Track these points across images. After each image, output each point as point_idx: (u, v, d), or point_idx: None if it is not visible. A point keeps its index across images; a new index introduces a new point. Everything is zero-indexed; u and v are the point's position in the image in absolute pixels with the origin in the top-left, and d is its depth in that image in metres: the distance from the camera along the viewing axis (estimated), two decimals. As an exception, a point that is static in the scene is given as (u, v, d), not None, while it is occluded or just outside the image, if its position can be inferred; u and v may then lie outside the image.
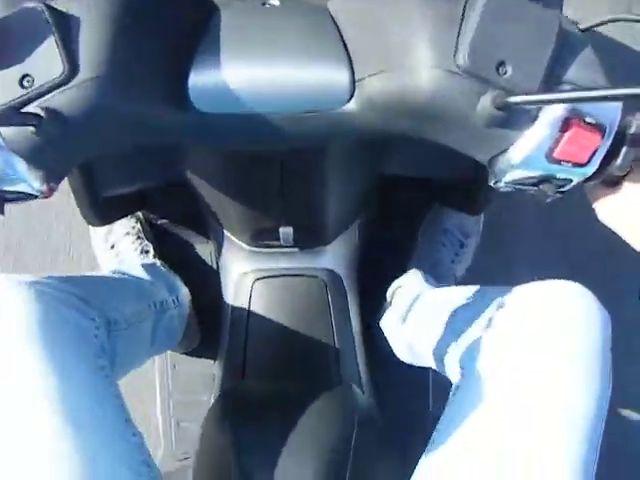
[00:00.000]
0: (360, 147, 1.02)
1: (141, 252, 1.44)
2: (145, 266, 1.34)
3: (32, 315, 0.75)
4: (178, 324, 1.31)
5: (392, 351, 1.31)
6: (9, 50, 0.62)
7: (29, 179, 0.65)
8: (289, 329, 1.24)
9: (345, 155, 1.00)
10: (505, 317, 0.82)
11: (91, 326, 0.86)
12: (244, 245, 1.28)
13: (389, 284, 1.39)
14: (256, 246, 1.27)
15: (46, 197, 0.70)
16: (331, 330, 1.24)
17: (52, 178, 0.68)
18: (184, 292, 1.39)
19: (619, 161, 0.64)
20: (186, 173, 1.17)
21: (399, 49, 0.67)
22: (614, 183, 0.68)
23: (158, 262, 1.43)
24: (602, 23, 0.68)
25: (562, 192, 0.69)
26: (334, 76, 0.70)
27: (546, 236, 1.64)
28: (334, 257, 1.29)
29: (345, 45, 0.72)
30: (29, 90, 0.62)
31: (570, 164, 0.64)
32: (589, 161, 0.64)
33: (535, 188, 0.68)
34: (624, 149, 0.63)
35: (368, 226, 1.37)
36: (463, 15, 0.64)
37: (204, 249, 1.55)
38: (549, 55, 0.63)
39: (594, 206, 0.72)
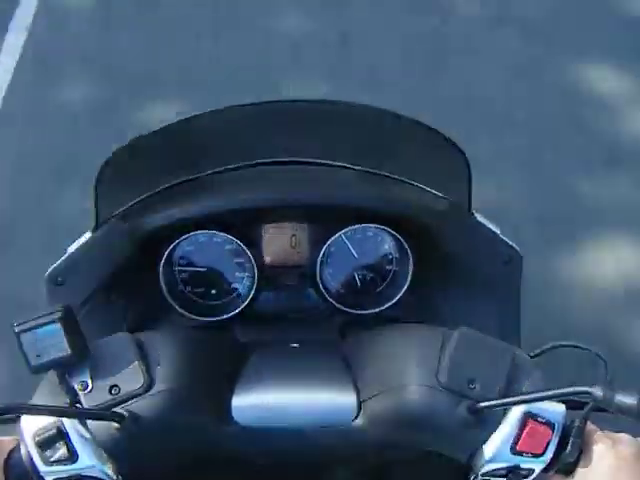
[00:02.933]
0: (363, 474, 1.17)
1: None
2: None
3: None
4: None
5: None
6: (102, 365, 0.84)
7: (105, 468, 0.81)
8: None
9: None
10: None
11: None
12: None
13: None
14: None
15: None
16: None
17: (122, 470, 0.84)
18: None
19: (568, 449, 0.80)
20: None
21: (394, 374, 0.88)
22: (569, 471, 0.83)
23: None
24: (547, 350, 0.92)
25: None
26: (344, 399, 0.90)
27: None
28: None
29: (353, 375, 0.93)
30: (116, 397, 0.82)
31: (530, 454, 0.81)
32: (545, 451, 0.80)
33: (504, 479, 0.84)
34: (571, 439, 0.80)
35: None
36: (442, 345, 0.87)
37: None
38: (505, 375, 0.84)
39: None
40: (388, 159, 1.17)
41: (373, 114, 1.05)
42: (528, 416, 0.80)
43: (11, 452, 0.83)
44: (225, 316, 1.11)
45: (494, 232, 1.11)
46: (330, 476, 1.09)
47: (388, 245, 1.14)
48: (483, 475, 0.84)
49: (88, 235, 1.08)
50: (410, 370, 0.87)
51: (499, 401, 0.80)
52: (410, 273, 1.11)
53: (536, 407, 0.81)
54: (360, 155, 1.16)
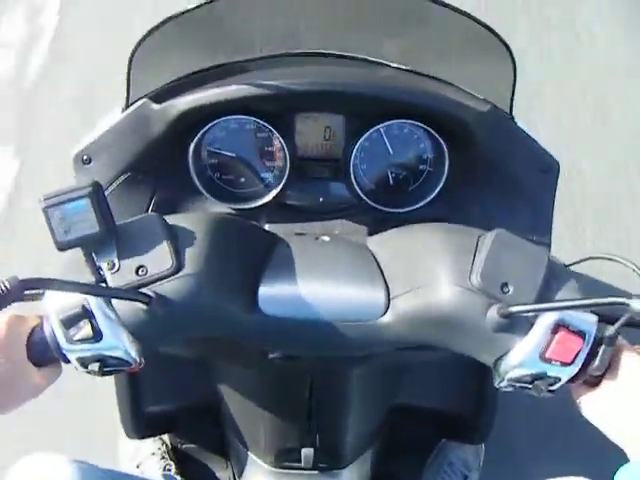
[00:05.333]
0: (380, 374, 1.19)
1: (164, 470, 1.54)
2: (166, 477, 1.45)
3: None
4: None
5: None
6: (130, 245, 0.83)
7: (129, 348, 0.81)
8: None
9: (367, 381, 1.15)
10: None
11: None
12: (266, 465, 1.38)
13: None
14: (277, 467, 1.36)
15: (134, 370, 0.86)
16: None
17: (145, 352, 0.84)
18: None
19: (597, 362, 0.80)
20: (220, 392, 1.32)
21: (426, 272, 0.87)
22: (594, 384, 0.84)
23: (178, 478, 1.52)
24: (582, 260, 0.90)
25: (552, 391, 0.84)
26: (372, 295, 0.89)
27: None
28: None
29: (382, 271, 0.92)
30: (143, 277, 0.81)
31: (559, 363, 0.80)
32: (573, 361, 0.80)
33: (530, 386, 0.84)
34: (601, 351, 0.80)
35: (380, 455, 1.47)
36: (477, 246, 0.85)
37: (223, 474, 1.62)
38: (540, 280, 0.82)
39: (577, 402, 0.86)
40: (431, 59, 1.12)
41: (420, 4, 1.00)
42: (560, 324, 0.79)
43: (34, 329, 0.83)
44: (253, 205, 1.09)
45: (533, 139, 1.08)
46: (346, 372, 1.10)
47: (424, 144, 1.11)
48: (509, 380, 0.84)
49: (117, 114, 1.05)
50: (443, 269, 0.85)
51: (532, 306, 0.79)
52: (445, 174, 1.08)
53: (569, 316, 0.80)
54: (404, 54, 1.11)
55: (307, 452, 1.27)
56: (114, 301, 0.80)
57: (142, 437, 1.49)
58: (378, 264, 0.94)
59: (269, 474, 1.38)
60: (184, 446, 1.65)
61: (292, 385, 1.15)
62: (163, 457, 1.58)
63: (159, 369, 1.32)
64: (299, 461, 1.29)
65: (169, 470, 1.55)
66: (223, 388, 1.31)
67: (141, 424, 1.42)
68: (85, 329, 0.78)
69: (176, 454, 1.63)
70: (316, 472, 1.35)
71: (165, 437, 1.64)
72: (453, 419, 1.49)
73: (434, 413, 1.47)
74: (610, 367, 0.82)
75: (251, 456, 1.41)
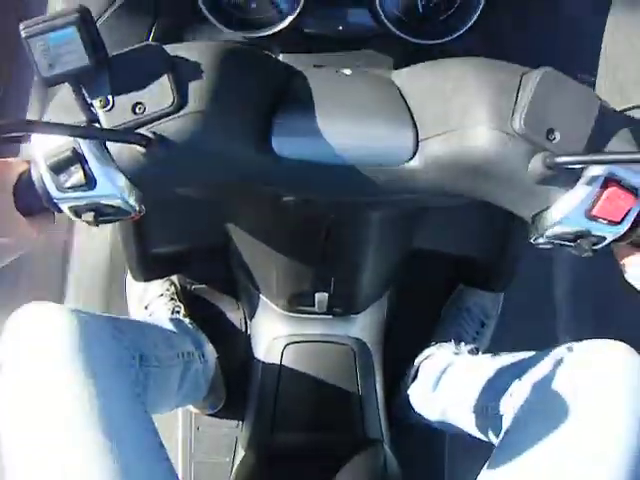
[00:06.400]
0: (399, 217, 1.11)
1: (172, 312, 1.51)
2: (174, 321, 1.42)
3: (75, 342, 0.82)
4: (203, 380, 1.37)
5: (410, 413, 1.39)
6: (126, 79, 0.72)
7: (126, 196, 0.73)
8: (318, 390, 1.30)
9: (385, 224, 1.08)
10: (573, 360, 0.89)
11: (127, 355, 0.92)
12: (278, 309, 1.35)
13: (411, 355, 1.46)
14: (290, 311, 1.33)
15: (134, 218, 0.78)
16: (357, 393, 1.30)
17: (145, 199, 0.76)
18: (210, 350, 1.45)
19: None
20: (230, 233, 1.26)
21: (460, 113, 0.76)
22: None
23: (187, 320, 1.50)
24: (634, 107, 0.79)
25: (595, 250, 0.77)
26: (399, 136, 0.79)
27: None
28: (363, 327, 1.36)
29: (409, 109, 0.82)
30: (140, 116, 0.71)
31: (605, 222, 0.72)
32: (622, 220, 0.72)
33: (571, 244, 0.76)
34: None
35: (396, 300, 1.44)
36: (519, 86, 0.74)
37: (234, 315, 1.62)
38: (591, 127, 0.72)
39: (621, 264, 0.79)
40: None
41: None
42: (610, 178, 0.70)
43: (21, 176, 0.74)
44: (266, 32, 0.96)
45: None
46: (364, 215, 1.03)
47: None
48: (548, 237, 0.76)
49: None
50: (480, 111, 0.74)
51: (583, 157, 0.69)
52: (482, 2, 0.95)
53: (621, 170, 0.71)
54: None
55: (321, 296, 1.23)
56: (109, 144, 0.71)
57: (148, 279, 1.45)
58: (405, 101, 0.83)
59: (282, 317, 1.36)
60: (194, 287, 1.63)
61: (306, 227, 1.08)
62: (172, 299, 1.54)
63: (164, 208, 1.25)
64: (313, 305, 1.25)
65: (177, 312, 1.52)
66: (233, 228, 1.25)
67: (147, 266, 1.38)
68: (77, 175, 0.70)
69: (185, 295, 1.60)
70: (330, 317, 1.32)
71: (174, 278, 1.60)
72: (473, 265, 1.45)
73: (453, 258, 1.42)
74: None
75: (263, 299, 1.38)
